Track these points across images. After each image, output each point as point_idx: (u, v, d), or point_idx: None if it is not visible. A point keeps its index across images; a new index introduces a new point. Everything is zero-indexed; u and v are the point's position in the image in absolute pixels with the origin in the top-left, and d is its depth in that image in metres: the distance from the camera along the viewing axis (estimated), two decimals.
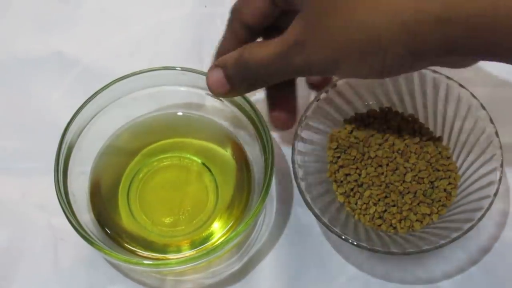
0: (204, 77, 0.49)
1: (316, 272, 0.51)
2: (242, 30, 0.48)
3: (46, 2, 0.64)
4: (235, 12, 0.49)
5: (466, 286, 0.51)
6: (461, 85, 0.50)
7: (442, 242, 0.46)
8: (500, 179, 0.47)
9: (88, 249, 0.51)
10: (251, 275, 0.52)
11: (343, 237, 0.47)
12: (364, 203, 0.50)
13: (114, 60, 0.60)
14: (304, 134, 0.51)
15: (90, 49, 0.61)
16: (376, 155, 0.50)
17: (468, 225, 0.46)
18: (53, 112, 0.58)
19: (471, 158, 0.50)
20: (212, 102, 0.54)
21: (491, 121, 0.49)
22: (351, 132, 0.52)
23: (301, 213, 0.53)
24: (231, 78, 0.46)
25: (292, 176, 0.50)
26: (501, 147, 0.48)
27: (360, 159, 0.51)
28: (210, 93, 0.48)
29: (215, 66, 0.47)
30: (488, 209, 0.46)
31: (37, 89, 0.60)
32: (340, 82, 0.52)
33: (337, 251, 0.52)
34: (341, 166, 0.51)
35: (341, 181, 0.51)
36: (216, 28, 0.61)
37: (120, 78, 0.52)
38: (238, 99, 0.51)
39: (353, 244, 0.47)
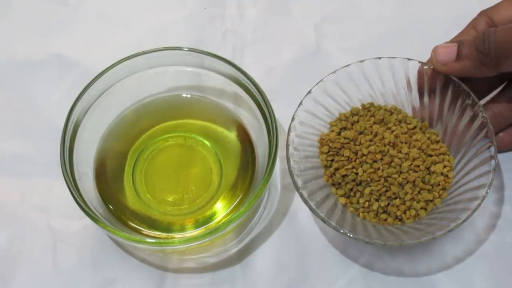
0: (210, 58, 0.50)
1: (316, 261, 0.51)
2: (486, 27, 0.50)
3: (46, 4, 0.64)
4: (484, 13, 0.51)
5: (477, 267, 0.51)
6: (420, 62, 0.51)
7: (453, 224, 0.46)
8: (495, 154, 0.47)
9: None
10: (252, 256, 0.52)
11: (351, 235, 0.46)
12: (366, 201, 0.50)
13: (113, 62, 0.59)
14: (296, 142, 0.50)
15: (90, 51, 0.61)
16: (369, 152, 0.50)
17: (475, 203, 0.46)
18: (52, 114, 0.57)
19: (462, 139, 0.50)
20: (217, 83, 0.54)
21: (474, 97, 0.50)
22: (339, 133, 0.52)
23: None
24: (464, 47, 0.48)
25: None
26: (488, 120, 0.49)
27: (354, 158, 0.50)
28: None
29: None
30: (490, 185, 0.46)
31: (36, 91, 0.59)
32: (315, 89, 0.52)
33: (340, 247, 0.52)
34: (337, 169, 0.50)
35: (339, 183, 0.51)
36: (216, 30, 0.61)
37: (125, 58, 0.52)
38: (243, 80, 0.52)
39: (365, 242, 0.46)
